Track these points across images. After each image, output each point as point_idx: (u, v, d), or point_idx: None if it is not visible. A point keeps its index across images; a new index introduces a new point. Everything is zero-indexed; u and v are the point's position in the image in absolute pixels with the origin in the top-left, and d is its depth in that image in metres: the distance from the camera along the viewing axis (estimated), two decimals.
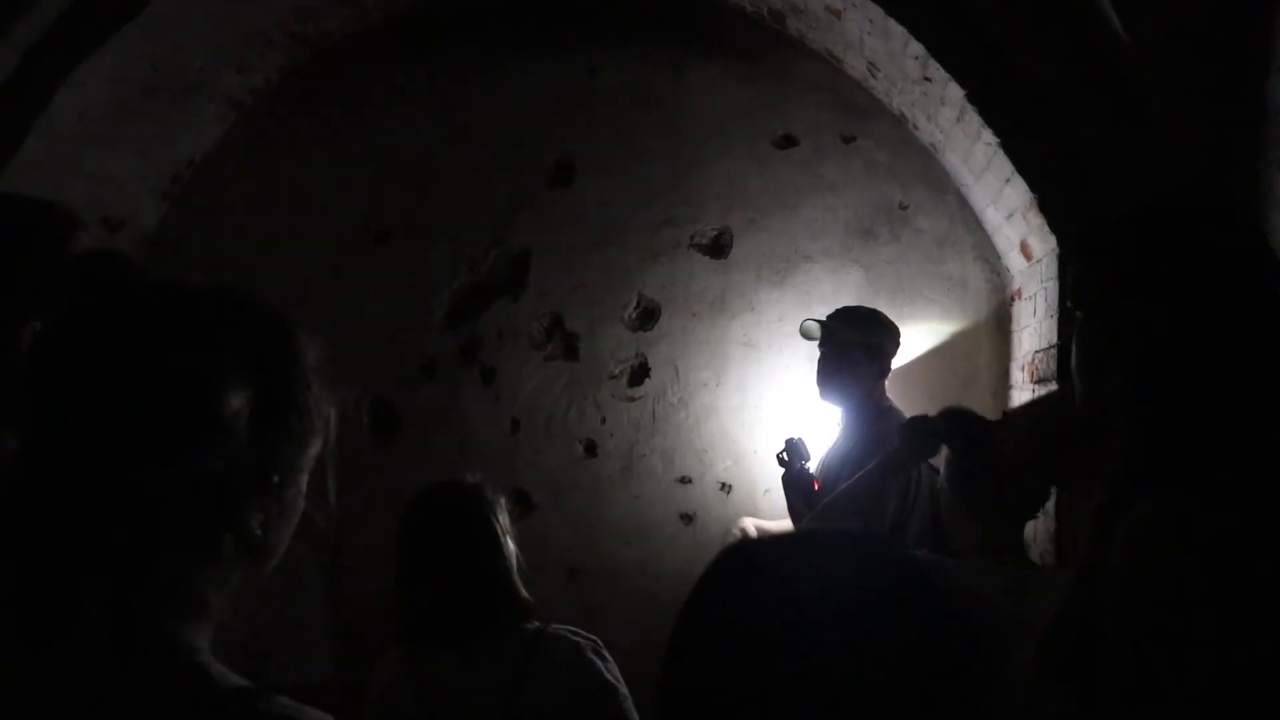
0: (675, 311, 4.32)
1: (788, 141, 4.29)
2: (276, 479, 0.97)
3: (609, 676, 2.17)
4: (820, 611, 0.84)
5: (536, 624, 2.22)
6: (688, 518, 4.28)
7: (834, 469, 3.40)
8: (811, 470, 3.50)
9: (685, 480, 4.29)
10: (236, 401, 0.92)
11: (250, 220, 4.47)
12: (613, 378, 4.35)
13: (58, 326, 0.97)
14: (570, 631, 2.23)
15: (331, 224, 4.47)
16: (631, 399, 4.33)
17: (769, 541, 1.00)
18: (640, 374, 4.34)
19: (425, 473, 4.14)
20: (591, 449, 4.35)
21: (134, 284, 1.00)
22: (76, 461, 0.89)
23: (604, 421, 4.34)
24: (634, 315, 4.36)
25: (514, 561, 2.23)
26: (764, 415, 4.22)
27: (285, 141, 4.52)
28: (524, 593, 2.22)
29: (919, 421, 2.88)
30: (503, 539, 2.23)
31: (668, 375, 4.31)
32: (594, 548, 4.28)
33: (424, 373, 4.42)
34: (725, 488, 4.26)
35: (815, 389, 3.54)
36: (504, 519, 2.26)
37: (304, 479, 1.03)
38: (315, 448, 1.03)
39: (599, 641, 2.24)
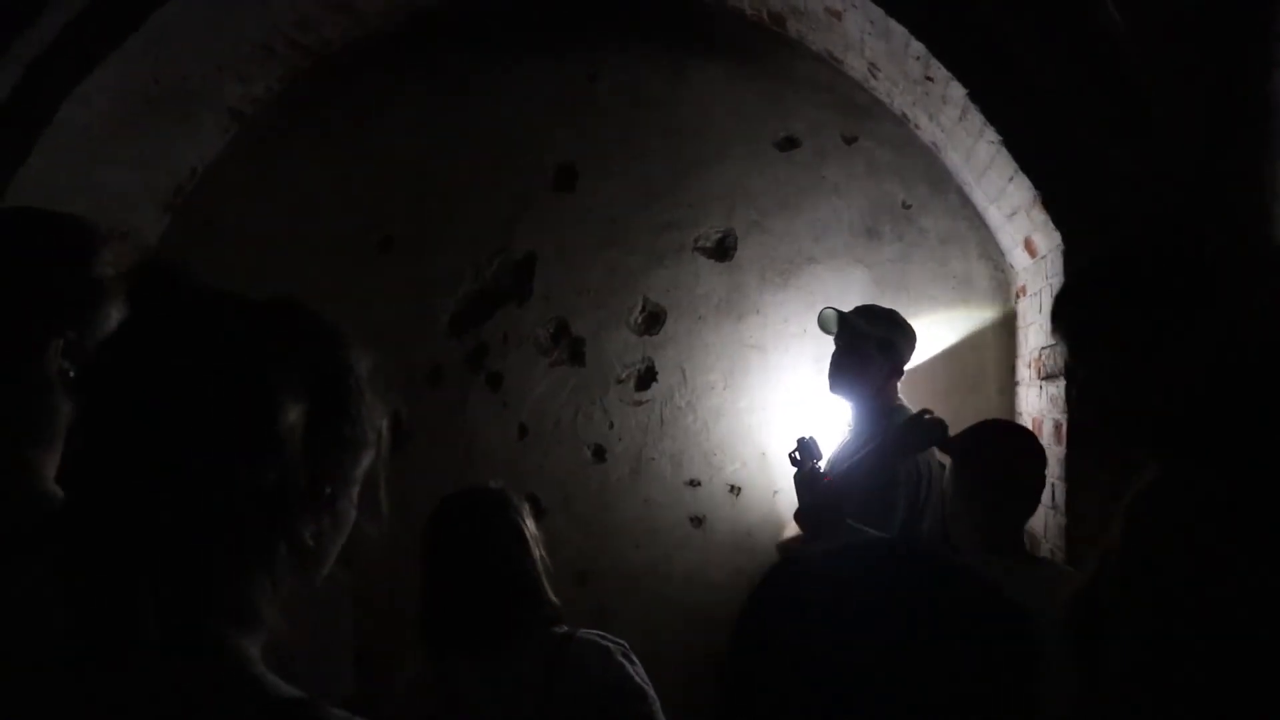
0: (681, 315, 4.32)
1: (789, 143, 4.29)
2: (329, 490, 0.98)
3: (638, 680, 2.19)
4: (867, 617, 0.86)
5: (564, 628, 2.22)
6: (697, 520, 4.28)
7: (844, 468, 3.41)
8: (823, 469, 3.50)
9: (694, 483, 4.29)
10: (292, 414, 0.93)
11: (253, 229, 4.48)
12: (620, 382, 4.36)
13: (115, 337, 0.97)
14: (599, 635, 2.24)
15: (335, 232, 4.47)
16: (639, 403, 4.34)
17: (813, 555, 1.01)
18: (647, 378, 4.34)
19: (433, 479, 4.14)
20: (600, 453, 4.35)
21: (188, 295, 1.00)
22: (134, 471, 0.90)
23: (612, 426, 4.35)
24: (640, 319, 4.36)
25: (542, 566, 2.24)
26: (772, 417, 4.22)
27: (287, 150, 4.53)
28: (552, 597, 2.23)
29: (914, 417, 3.06)
30: (531, 544, 2.23)
31: (675, 379, 4.31)
32: (603, 552, 4.28)
33: (430, 379, 4.42)
34: (734, 490, 4.26)
35: (826, 384, 3.55)
36: (531, 524, 2.27)
37: (356, 490, 1.03)
38: (367, 459, 1.03)
39: (626, 645, 2.26)
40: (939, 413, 3.77)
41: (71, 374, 1.41)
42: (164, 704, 0.88)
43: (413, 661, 2.27)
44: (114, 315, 1.45)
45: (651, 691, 2.20)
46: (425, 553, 2.27)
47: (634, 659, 2.25)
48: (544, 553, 2.28)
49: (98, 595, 0.90)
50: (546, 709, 2.10)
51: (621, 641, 2.27)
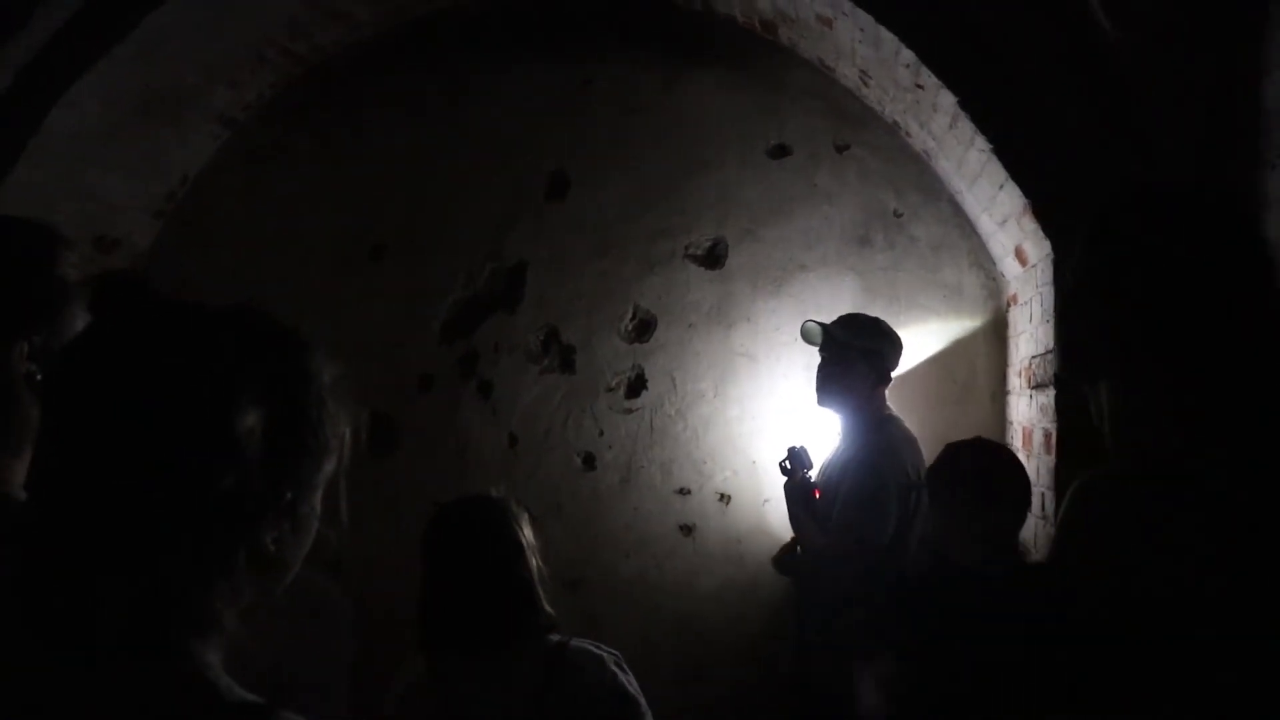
0: (672, 322, 4.31)
1: (781, 151, 4.29)
2: (290, 496, 0.98)
3: (632, 690, 2.20)
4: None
5: (558, 637, 2.23)
6: (687, 529, 4.27)
7: (834, 477, 3.41)
8: (813, 478, 3.51)
9: (684, 491, 4.28)
10: (250, 420, 0.93)
11: (245, 236, 4.47)
12: (610, 390, 4.35)
13: (75, 345, 0.98)
14: (593, 645, 2.26)
15: (327, 239, 4.47)
16: (629, 411, 4.33)
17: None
18: (637, 386, 4.33)
19: (423, 487, 4.16)
20: (590, 461, 4.34)
21: (151, 304, 1.01)
22: (93, 477, 0.90)
23: (602, 434, 4.34)
24: (630, 327, 4.35)
25: (538, 575, 2.25)
26: (762, 425, 4.21)
27: (279, 157, 4.52)
28: (548, 607, 2.24)
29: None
30: (529, 553, 2.25)
31: (665, 386, 4.31)
32: (593, 560, 4.26)
33: (421, 386, 4.41)
34: (724, 498, 4.25)
35: (814, 396, 3.55)
36: (529, 533, 2.29)
37: (318, 496, 1.03)
38: (330, 465, 1.04)
39: (619, 655, 2.27)
40: (930, 422, 3.79)
41: (39, 377, 1.40)
42: (119, 708, 0.88)
43: (410, 664, 2.28)
44: (79, 318, 1.45)
45: (644, 701, 2.22)
46: (425, 556, 2.28)
47: (626, 668, 2.26)
48: (541, 562, 2.29)
49: (56, 598, 0.90)
50: (540, 715, 2.11)
51: (615, 651, 2.28)
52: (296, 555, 1.02)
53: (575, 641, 2.24)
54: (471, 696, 2.15)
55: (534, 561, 2.26)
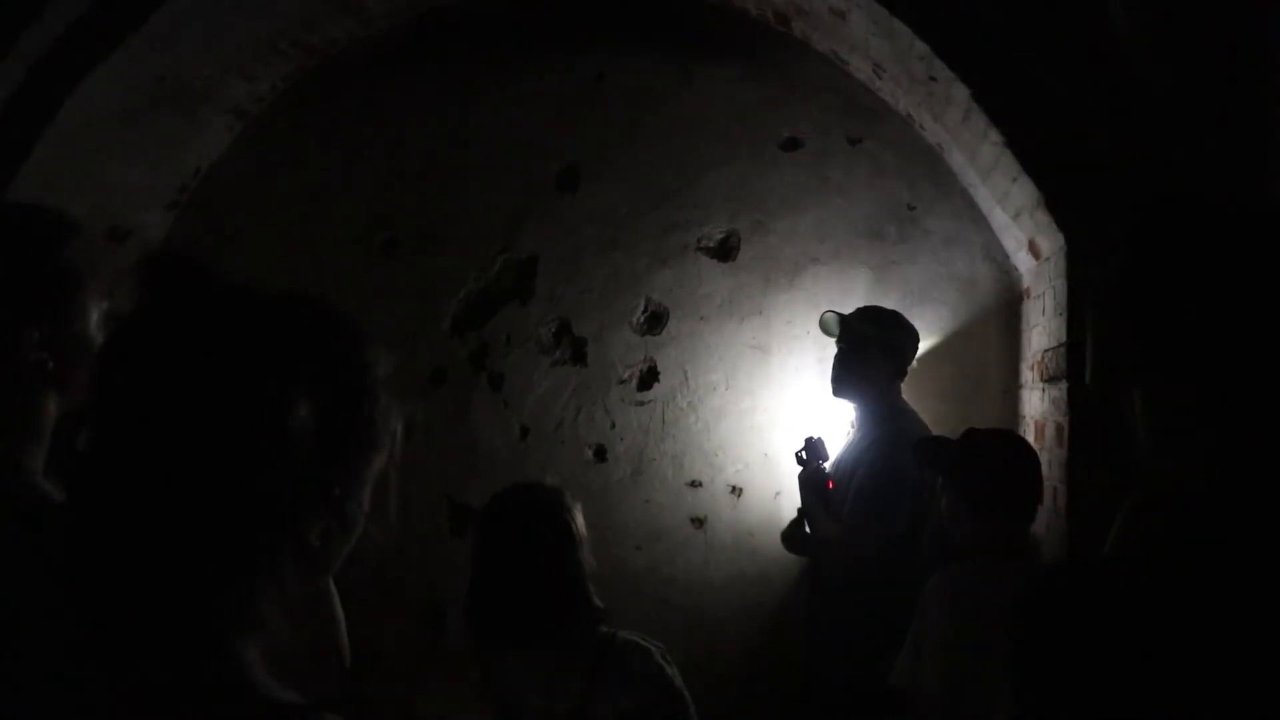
0: (683, 315, 4.31)
1: (794, 144, 4.28)
2: (338, 491, 0.95)
3: (677, 684, 2.22)
4: None
5: (606, 629, 2.25)
6: (699, 522, 4.27)
7: (847, 468, 3.41)
8: (827, 470, 3.52)
9: (696, 484, 4.28)
10: (302, 413, 0.90)
11: (258, 229, 4.48)
12: (621, 382, 4.35)
13: (125, 327, 0.95)
14: (640, 637, 2.27)
15: (339, 232, 4.47)
16: (641, 403, 4.33)
17: None
18: (649, 378, 4.33)
19: (435, 479, 4.17)
20: (601, 454, 4.34)
21: (205, 288, 0.98)
22: (138, 466, 0.88)
23: (613, 426, 4.34)
24: (642, 319, 4.35)
25: (588, 568, 2.26)
26: (774, 418, 4.21)
27: (292, 150, 4.53)
28: (596, 600, 2.25)
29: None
30: (579, 546, 2.26)
31: (677, 379, 4.31)
32: (605, 553, 4.21)
33: (433, 380, 4.41)
34: (736, 491, 4.25)
35: (829, 387, 3.55)
36: (581, 523, 2.30)
37: (366, 492, 1.00)
38: (379, 461, 1.01)
39: (664, 647, 2.28)
40: (942, 415, 3.78)
41: (50, 366, 1.40)
42: (159, 706, 0.86)
43: (461, 653, 2.30)
44: (90, 306, 1.44)
45: (688, 694, 2.23)
46: (477, 543, 2.29)
47: (671, 662, 2.27)
48: (589, 555, 2.30)
49: (100, 594, 0.88)
50: (592, 708, 2.13)
51: (659, 644, 2.30)
52: (341, 552, 0.99)
53: (623, 633, 2.26)
54: (520, 688, 2.17)
55: (584, 554, 2.28)
